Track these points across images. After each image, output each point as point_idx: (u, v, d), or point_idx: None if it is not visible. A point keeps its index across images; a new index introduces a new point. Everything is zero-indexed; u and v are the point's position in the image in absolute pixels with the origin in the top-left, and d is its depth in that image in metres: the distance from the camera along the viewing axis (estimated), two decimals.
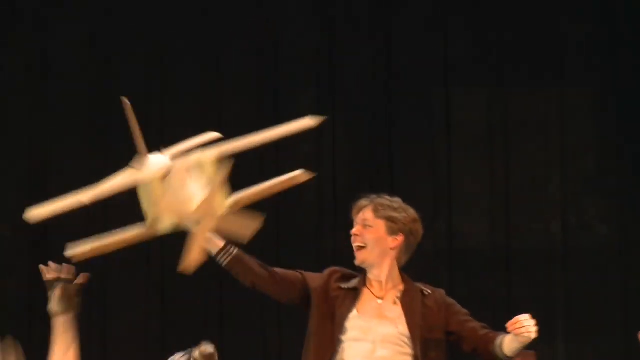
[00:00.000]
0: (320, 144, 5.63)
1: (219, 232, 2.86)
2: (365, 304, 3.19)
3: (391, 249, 3.20)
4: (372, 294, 3.20)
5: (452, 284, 5.50)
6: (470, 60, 5.88)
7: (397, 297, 3.21)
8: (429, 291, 3.24)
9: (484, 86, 5.92)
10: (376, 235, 3.18)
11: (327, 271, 3.27)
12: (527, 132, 5.94)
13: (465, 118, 5.91)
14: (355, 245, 3.21)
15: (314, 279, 3.22)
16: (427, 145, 5.91)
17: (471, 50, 5.89)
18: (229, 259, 3.11)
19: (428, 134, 5.92)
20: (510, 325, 3.09)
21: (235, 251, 3.11)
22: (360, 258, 3.21)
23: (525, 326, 3.06)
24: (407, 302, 3.19)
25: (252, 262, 3.14)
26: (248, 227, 2.74)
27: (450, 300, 3.26)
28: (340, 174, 5.79)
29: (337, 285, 3.20)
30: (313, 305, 3.19)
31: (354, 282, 3.22)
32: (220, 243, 3.08)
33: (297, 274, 3.22)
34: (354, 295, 3.19)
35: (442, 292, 3.28)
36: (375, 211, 3.20)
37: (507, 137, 5.87)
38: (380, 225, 3.19)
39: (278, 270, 3.19)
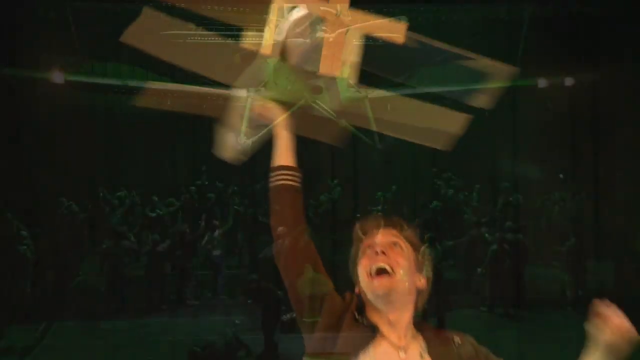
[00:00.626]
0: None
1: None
2: (382, 355, 2.68)
3: (416, 287, 2.75)
4: (390, 341, 2.69)
5: None
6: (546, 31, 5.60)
7: (423, 349, 2.73)
8: (459, 340, 2.78)
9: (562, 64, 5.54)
10: (408, 261, 2.71)
11: (347, 295, 2.83)
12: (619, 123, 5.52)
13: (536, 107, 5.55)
14: (378, 266, 2.68)
15: (333, 296, 2.80)
16: (484, 142, 5.48)
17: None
18: (287, 182, 2.87)
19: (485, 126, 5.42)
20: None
21: (299, 182, 2.89)
22: (386, 285, 2.68)
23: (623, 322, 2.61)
24: (440, 356, 2.71)
25: (301, 209, 2.88)
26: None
27: (484, 349, 2.83)
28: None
29: (352, 315, 2.74)
30: (320, 324, 2.76)
31: (369, 320, 2.74)
32: (292, 160, 2.90)
33: (327, 278, 2.83)
34: (371, 336, 2.70)
35: (471, 339, 2.83)
36: (405, 235, 2.75)
37: (593, 130, 5.49)
38: (411, 254, 2.74)
39: (315, 253, 2.82)
